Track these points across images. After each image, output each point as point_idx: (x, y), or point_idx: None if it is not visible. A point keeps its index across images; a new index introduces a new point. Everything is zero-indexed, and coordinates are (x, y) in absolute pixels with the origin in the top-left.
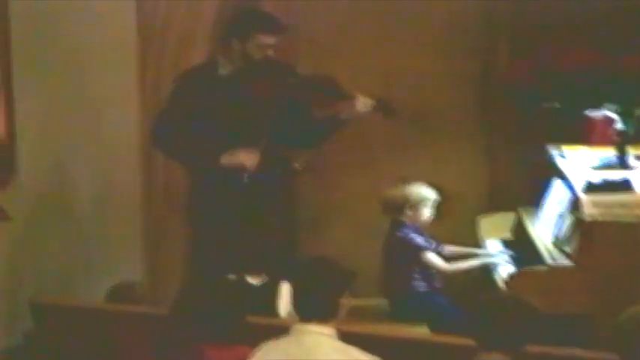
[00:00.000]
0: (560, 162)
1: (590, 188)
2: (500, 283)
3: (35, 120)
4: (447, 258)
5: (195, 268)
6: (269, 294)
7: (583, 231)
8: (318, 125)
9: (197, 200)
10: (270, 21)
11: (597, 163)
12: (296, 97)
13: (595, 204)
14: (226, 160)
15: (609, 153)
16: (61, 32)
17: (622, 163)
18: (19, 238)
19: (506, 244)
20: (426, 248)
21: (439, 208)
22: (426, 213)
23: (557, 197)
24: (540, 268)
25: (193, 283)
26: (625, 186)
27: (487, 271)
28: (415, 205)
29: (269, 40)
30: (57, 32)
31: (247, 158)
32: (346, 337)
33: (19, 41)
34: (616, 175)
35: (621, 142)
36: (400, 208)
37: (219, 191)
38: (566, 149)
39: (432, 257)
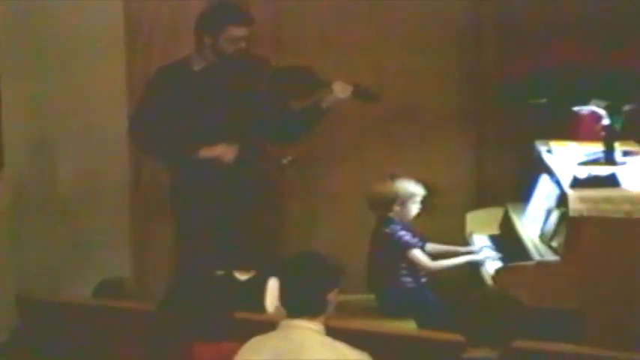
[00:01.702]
0: (547, 157)
1: (577, 184)
2: (488, 279)
3: (21, 115)
4: (434, 255)
5: (182, 263)
6: (257, 289)
7: (570, 226)
8: (298, 116)
9: (179, 195)
10: (239, 13)
11: (584, 158)
12: (273, 90)
13: (582, 199)
14: (205, 153)
15: (596, 149)
16: (48, 27)
17: (609, 159)
18: (5, 234)
19: (494, 239)
20: (412, 245)
21: (428, 204)
22: (414, 209)
23: (544, 193)
24: (527, 263)
25: (181, 278)
26: (612, 182)
27: (474, 266)
28: (404, 201)
29: (240, 32)
30: (44, 27)
31: (225, 151)
32: (334, 333)
33: (5, 36)
34: (603, 170)
35: (608, 137)
36: (389, 204)
37: (201, 186)
38: (554, 145)
39: (417, 254)
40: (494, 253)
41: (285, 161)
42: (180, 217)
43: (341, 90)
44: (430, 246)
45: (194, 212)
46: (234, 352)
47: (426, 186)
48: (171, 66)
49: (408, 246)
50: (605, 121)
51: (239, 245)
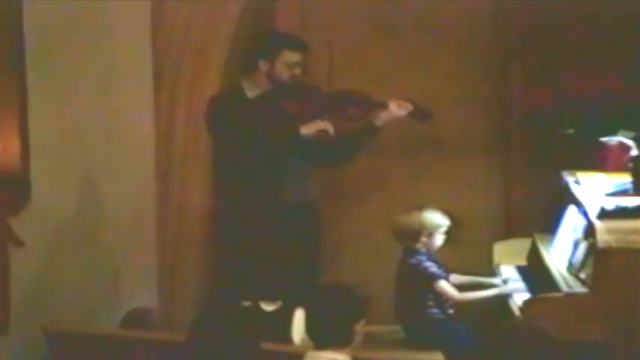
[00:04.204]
0: (575, 188)
1: (605, 215)
2: (516, 310)
3: (48, 147)
4: (457, 286)
5: (219, 293)
6: (283, 320)
7: (597, 257)
8: (352, 138)
9: (229, 226)
10: (294, 38)
11: (612, 189)
12: (328, 113)
13: (609, 230)
14: (307, 129)
15: (624, 179)
16: (77, 59)
17: (637, 190)
18: (34, 265)
19: (522, 270)
20: (439, 277)
21: (454, 235)
22: (439, 239)
23: (572, 224)
24: (555, 294)
25: (209, 309)
26: None
27: (502, 297)
28: (431, 232)
29: (296, 57)
30: (72, 58)
31: (326, 124)
32: None
33: (35, 66)
34: (631, 201)
35: (636, 168)
36: (416, 236)
37: (252, 218)
38: (581, 175)
39: (444, 285)
40: (522, 285)
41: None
42: (224, 249)
43: (397, 108)
44: (453, 277)
45: (239, 244)
46: None
47: (452, 216)
48: (224, 95)
49: (435, 277)
50: (634, 152)
51: (269, 277)
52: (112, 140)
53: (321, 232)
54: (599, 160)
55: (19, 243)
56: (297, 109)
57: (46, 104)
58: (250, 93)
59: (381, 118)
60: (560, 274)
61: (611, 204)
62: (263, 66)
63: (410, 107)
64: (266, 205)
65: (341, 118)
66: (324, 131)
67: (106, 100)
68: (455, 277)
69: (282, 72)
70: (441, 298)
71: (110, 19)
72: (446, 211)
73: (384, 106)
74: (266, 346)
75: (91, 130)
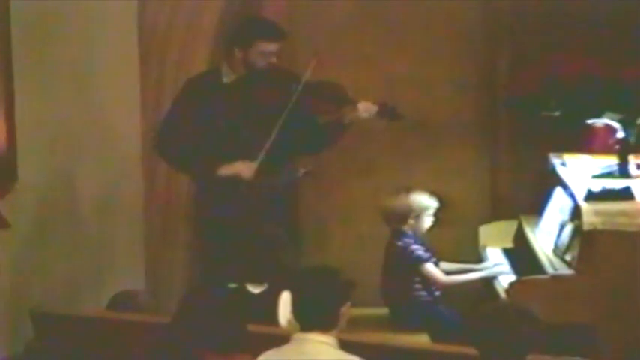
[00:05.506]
0: (561, 170)
1: (591, 197)
2: (501, 292)
3: (36, 128)
4: (448, 272)
5: (205, 275)
6: (269, 302)
7: (584, 240)
8: (321, 131)
9: (204, 207)
10: (271, 28)
11: (598, 171)
12: (300, 104)
13: (596, 213)
14: (223, 171)
15: (610, 162)
16: (63, 43)
17: (623, 172)
18: (21, 247)
19: (507, 252)
20: (425, 260)
21: (441, 217)
22: (427, 222)
23: (558, 206)
24: (541, 276)
25: (195, 291)
26: (626, 195)
27: (488, 279)
28: (418, 215)
29: (271, 47)
30: (58, 43)
31: (243, 169)
32: (347, 346)
33: (21, 50)
34: (617, 183)
35: (622, 150)
36: (403, 218)
37: (225, 198)
38: (568, 158)
39: (430, 268)
40: (508, 269)
41: (299, 174)
42: (200, 229)
43: (364, 109)
44: (444, 265)
45: (215, 225)
46: None
47: (439, 199)
48: (201, 77)
49: (420, 260)
50: (620, 134)
51: (253, 258)
52: (98, 123)
53: (294, 215)
54: (586, 143)
55: (6, 225)
56: (270, 96)
57: (32, 90)
58: (226, 77)
59: (349, 117)
60: (546, 256)
61: (597, 186)
62: (237, 54)
63: (375, 109)
64: (232, 186)
65: (312, 110)
66: (238, 176)
67: (92, 86)
68: (446, 265)
69: (257, 61)
70: (427, 281)
71: (96, 9)
72: (433, 194)
73: (354, 104)
74: (252, 327)
75: (77, 116)
